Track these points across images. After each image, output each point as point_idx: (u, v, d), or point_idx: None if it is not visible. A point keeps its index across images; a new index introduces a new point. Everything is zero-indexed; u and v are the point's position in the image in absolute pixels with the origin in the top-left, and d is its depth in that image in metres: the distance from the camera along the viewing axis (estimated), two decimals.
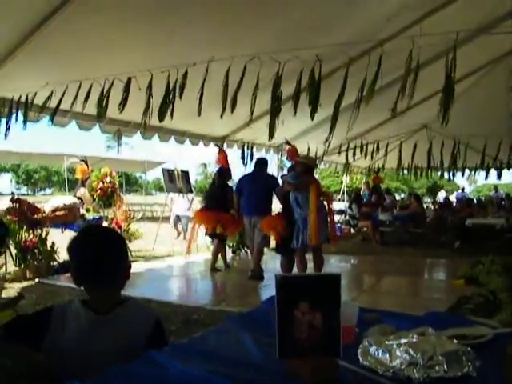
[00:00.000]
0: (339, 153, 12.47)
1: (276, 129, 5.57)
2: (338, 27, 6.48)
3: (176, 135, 9.27)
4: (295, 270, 7.11)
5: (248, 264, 8.89)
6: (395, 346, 1.48)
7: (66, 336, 1.79)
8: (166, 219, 12.86)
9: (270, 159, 11.34)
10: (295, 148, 8.65)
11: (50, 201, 9.05)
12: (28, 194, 54.19)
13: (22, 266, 7.58)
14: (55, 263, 8.04)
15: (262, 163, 8.39)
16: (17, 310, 2.28)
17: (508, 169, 14.84)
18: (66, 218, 8.62)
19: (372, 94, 4.98)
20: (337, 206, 17.43)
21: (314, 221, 6.62)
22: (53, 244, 8.03)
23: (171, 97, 5.65)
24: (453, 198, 23.79)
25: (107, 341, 1.78)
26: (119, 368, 1.48)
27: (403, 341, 1.50)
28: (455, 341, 1.55)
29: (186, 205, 12.51)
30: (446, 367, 1.39)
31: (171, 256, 10.45)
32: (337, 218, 15.88)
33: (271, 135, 5.57)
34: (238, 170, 9.58)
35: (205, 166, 77.11)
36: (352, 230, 15.05)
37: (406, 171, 15.09)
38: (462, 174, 14.91)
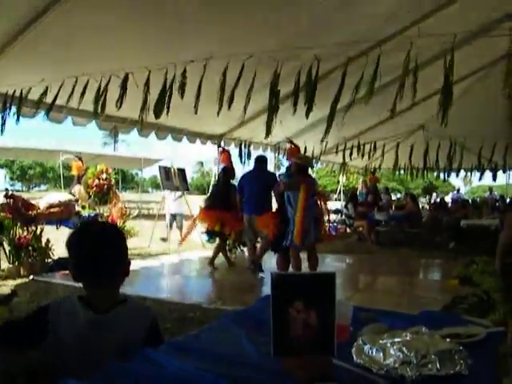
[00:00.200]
0: (336, 152, 12.47)
1: (273, 127, 5.58)
2: (336, 27, 6.48)
3: (173, 133, 9.26)
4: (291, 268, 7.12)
5: (243, 262, 8.92)
6: (389, 345, 1.49)
7: (64, 334, 1.78)
8: (163, 217, 12.86)
9: (269, 158, 11.36)
10: (296, 148, 8.68)
11: (45, 197, 9.03)
12: (22, 191, 53.93)
13: (16, 263, 7.56)
14: (50, 260, 8.02)
15: (261, 161, 8.43)
16: (11, 307, 2.28)
17: (504, 171, 14.91)
18: (61, 214, 8.60)
19: (371, 94, 4.99)
20: (333, 205, 17.45)
21: (299, 220, 6.66)
22: (47, 241, 8.01)
23: (168, 94, 5.65)
24: (448, 198, 23.84)
25: (106, 340, 1.77)
26: (115, 366, 1.48)
27: (397, 339, 1.52)
28: (448, 340, 1.57)
29: (177, 202, 12.49)
30: (438, 366, 1.40)
31: (167, 254, 10.46)
32: (333, 217, 15.91)
33: (268, 133, 5.58)
34: (236, 168, 9.60)
35: (201, 164, 77.25)
36: (348, 230, 15.07)
37: (402, 171, 15.12)
38: (457, 175, 14.96)
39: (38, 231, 7.92)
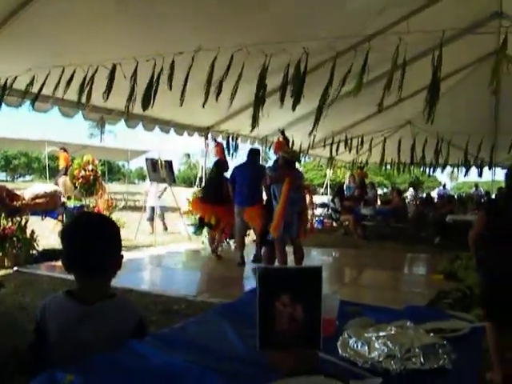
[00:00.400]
0: (324, 146, 12.49)
1: (259, 120, 5.57)
2: (325, 21, 6.47)
3: (160, 124, 9.22)
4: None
5: (230, 255, 8.95)
6: (374, 339, 1.50)
7: (52, 330, 1.78)
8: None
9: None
10: (284, 141, 8.68)
11: (30, 188, 8.95)
12: (7, 181, 53.42)
13: (0, 254, 7.47)
14: (34, 252, 7.96)
15: (255, 153, 8.44)
16: None
17: (489, 168, 15.01)
18: (46, 205, 8.53)
19: (360, 87, 4.99)
20: (320, 199, 17.50)
21: (278, 213, 6.66)
22: (32, 232, 7.94)
23: (155, 85, 5.61)
24: (434, 194, 24.01)
25: (93, 332, 1.75)
26: (100, 358, 1.48)
27: (382, 333, 1.53)
28: (432, 334, 1.58)
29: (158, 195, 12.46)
30: (422, 359, 1.42)
31: (153, 246, 10.43)
32: (319, 211, 15.95)
33: (253, 125, 5.57)
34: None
35: (188, 156, 77.04)
36: (334, 224, 15.13)
37: (388, 166, 15.19)
38: (442, 171, 15.06)
39: (23, 222, 7.84)
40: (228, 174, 8.65)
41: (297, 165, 7.84)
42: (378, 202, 15.91)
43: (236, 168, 8.37)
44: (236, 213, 8.13)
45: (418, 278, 8.36)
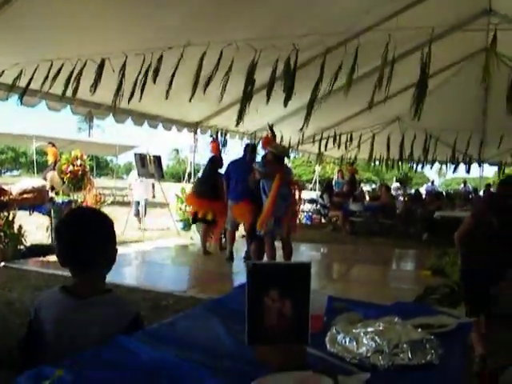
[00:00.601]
0: (313, 142, 12.51)
1: (246, 115, 5.56)
2: (314, 17, 6.47)
3: (149, 119, 9.19)
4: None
5: (218, 251, 8.96)
6: (362, 334, 1.51)
7: (46, 324, 1.78)
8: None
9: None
10: (272, 136, 8.67)
11: (18, 183, 8.87)
12: None
13: None
14: (22, 247, 7.91)
15: (251, 149, 8.42)
16: None
17: (479, 164, 15.14)
18: (34, 200, 8.46)
19: (349, 86, 5.01)
20: (308, 195, 17.54)
21: (267, 209, 6.66)
22: (20, 227, 7.90)
23: (143, 80, 5.58)
24: (422, 190, 24.14)
25: (85, 325, 1.75)
26: (88, 353, 1.47)
27: (370, 329, 1.53)
28: (420, 330, 1.59)
29: (145, 189, 12.40)
30: (410, 355, 1.42)
31: (141, 241, 10.40)
32: (308, 207, 15.98)
33: (239, 120, 5.56)
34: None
35: (177, 151, 76.86)
36: (323, 220, 15.17)
37: (377, 162, 15.25)
38: (431, 167, 15.18)
39: (11, 217, 7.79)
40: (222, 171, 8.65)
41: (285, 160, 7.84)
42: (367, 198, 15.96)
43: (231, 163, 8.33)
44: (229, 208, 8.12)
45: (406, 274, 8.41)
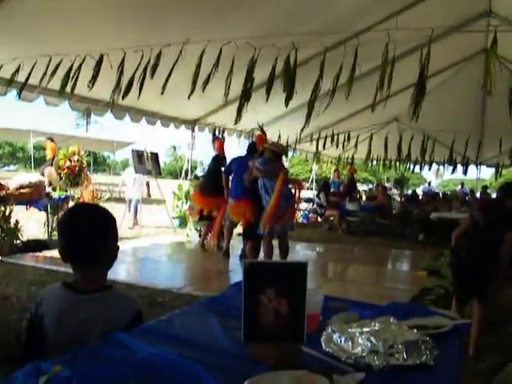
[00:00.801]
0: (311, 141, 12.52)
1: (245, 113, 5.56)
2: (313, 16, 6.47)
3: (147, 116, 9.19)
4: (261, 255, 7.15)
5: (214, 248, 8.96)
6: (357, 334, 1.51)
7: (47, 319, 1.78)
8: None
9: (242, 145, 11.37)
10: (263, 136, 8.67)
11: (15, 178, 8.86)
12: None
13: None
14: (18, 242, 7.91)
15: (254, 148, 8.40)
16: None
17: (477, 166, 15.15)
18: (31, 195, 8.46)
19: (351, 86, 5.01)
20: (305, 194, 17.55)
21: (271, 208, 6.65)
22: (17, 222, 7.89)
23: (140, 76, 5.57)
24: (419, 191, 24.17)
25: (86, 320, 1.76)
26: (85, 349, 1.48)
27: (365, 329, 1.54)
28: (415, 330, 1.60)
29: (138, 188, 12.38)
30: (405, 355, 1.43)
31: (138, 238, 10.40)
32: (304, 206, 15.99)
33: (238, 118, 5.56)
34: (210, 154, 9.62)
35: (174, 148, 76.83)
36: (319, 219, 15.17)
37: (374, 162, 15.26)
38: (429, 168, 15.18)
39: (7, 212, 7.78)
40: None
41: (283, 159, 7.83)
42: (363, 198, 15.97)
43: (233, 160, 8.30)
44: (228, 205, 8.12)
45: (402, 274, 8.43)
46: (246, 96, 5.41)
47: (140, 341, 1.54)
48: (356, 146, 13.27)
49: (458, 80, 10.28)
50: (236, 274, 6.98)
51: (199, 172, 20.31)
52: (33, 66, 5.80)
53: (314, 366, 1.39)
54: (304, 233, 11.47)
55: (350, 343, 1.50)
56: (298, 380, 1.29)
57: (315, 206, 15.23)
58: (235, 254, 8.14)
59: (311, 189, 19.30)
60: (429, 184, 27.62)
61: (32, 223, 8.99)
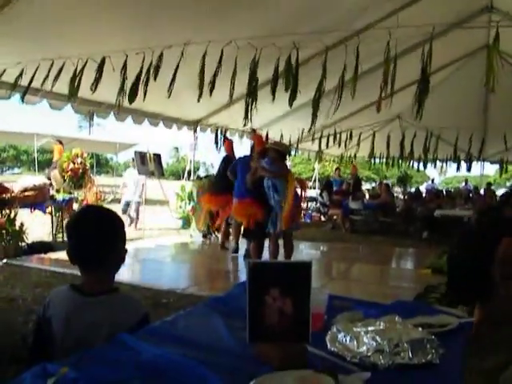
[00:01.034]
0: (313, 140, 12.50)
1: (251, 113, 5.57)
2: (314, 15, 6.47)
3: (150, 117, 9.20)
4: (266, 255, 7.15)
5: (218, 247, 8.97)
6: (363, 333, 1.51)
7: (54, 321, 1.79)
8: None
9: (245, 145, 11.37)
10: (262, 136, 8.68)
11: (20, 181, 8.89)
12: None
13: None
14: (24, 244, 7.93)
15: (252, 148, 8.39)
16: None
17: (481, 162, 15.09)
18: (35, 198, 8.48)
19: (355, 85, 5.01)
20: (308, 193, 17.52)
21: (289, 206, 6.64)
22: (21, 224, 7.91)
23: (144, 79, 5.58)
24: (423, 188, 24.13)
25: (93, 323, 1.76)
26: (91, 351, 1.48)
27: (370, 328, 1.54)
28: (421, 329, 1.59)
29: (134, 189, 12.39)
30: (410, 354, 1.43)
31: (141, 239, 10.40)
32: (308, 205, 15.97)
33: (246, 120, 5.56)
34: (212, 155, 9.64)
35: (177, 149, 76.83)
36: (322, 218, 15.15)
37: (377, 160, 15.23)
38: (435, 166, 15.15)
39: (12, 215, 7.81)
40: None
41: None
42: (367, 196, 15.95)
43: (239, 159, 8.28)
44: (233, 205, 8.12)
45: (406, 273, 8.41)
46: (252, 96, 5.41)
47: (145, 342, 1.54)
48: (358, 144, 13.26)
49: (460, 76, 10.25)
50: (240, 274, 6.99)
51: (202, 173, 20.29)
52: (36, 70, 5.82)
53: (319, 365, 1.39)
54: (308, 232, 11.45)
55: (355, 342, 1.50)
56: (303, 380, 1.29)
57: (318, 204, 15.21)
58: (239, 254, 8.15)
59: (314, 188, 19.29)
60: (432, 181, 27.58)
61: (37, 226, 9.02)
